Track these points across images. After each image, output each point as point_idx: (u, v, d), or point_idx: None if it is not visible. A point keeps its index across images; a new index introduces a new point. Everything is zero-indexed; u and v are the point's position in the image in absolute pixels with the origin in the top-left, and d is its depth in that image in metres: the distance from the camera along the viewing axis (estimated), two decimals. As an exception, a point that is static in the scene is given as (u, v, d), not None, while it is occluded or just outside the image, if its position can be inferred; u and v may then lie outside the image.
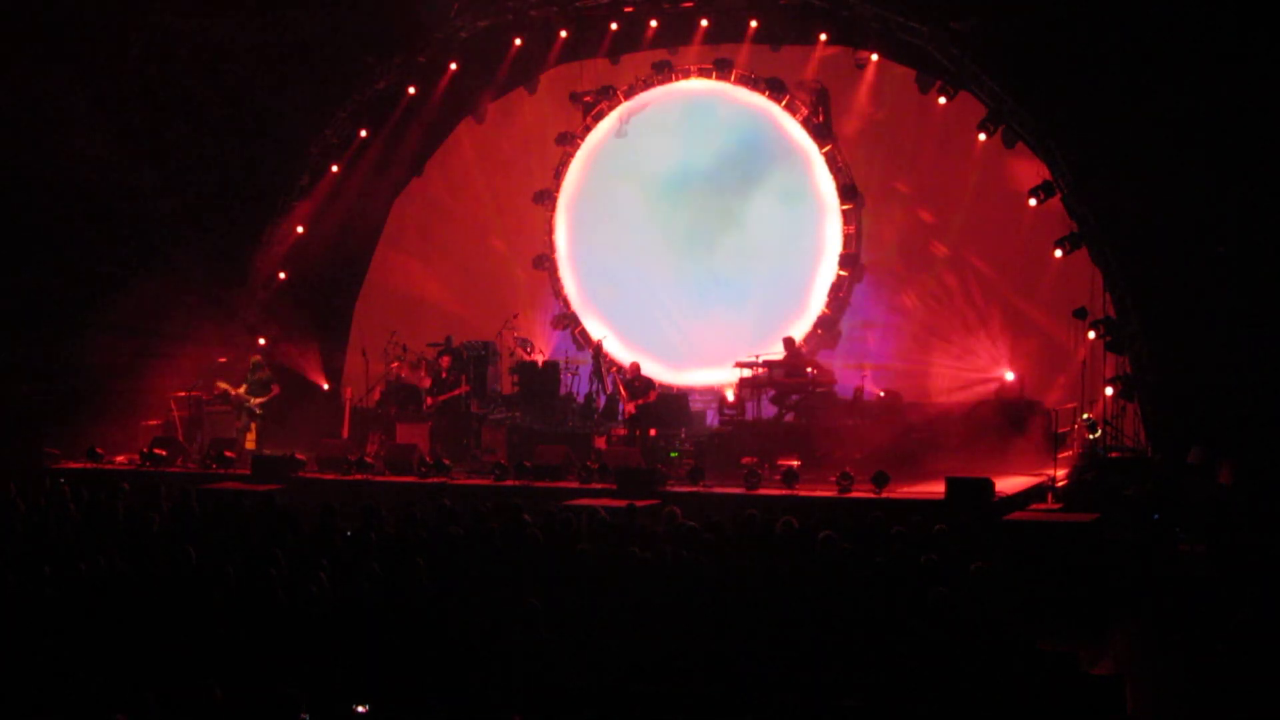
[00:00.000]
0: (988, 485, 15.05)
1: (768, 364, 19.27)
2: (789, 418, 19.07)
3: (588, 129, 21.80)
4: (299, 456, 18.44)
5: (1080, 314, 17.68)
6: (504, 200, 22.66)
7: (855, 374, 19.57)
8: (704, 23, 20.40)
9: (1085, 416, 17.50)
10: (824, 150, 20.29)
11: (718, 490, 16.29)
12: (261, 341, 21.25)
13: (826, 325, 20.33)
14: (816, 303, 20.52)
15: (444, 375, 19.71)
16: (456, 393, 19.63)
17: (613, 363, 20.89)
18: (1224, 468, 15.42)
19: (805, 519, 12.82)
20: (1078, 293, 17.94)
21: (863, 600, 10.18)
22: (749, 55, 20.64)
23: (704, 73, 20.98)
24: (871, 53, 19.41)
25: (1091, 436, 17.26)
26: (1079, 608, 11.97)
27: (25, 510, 14.04)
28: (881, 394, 19.13)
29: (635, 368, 19.26)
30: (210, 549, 11.67)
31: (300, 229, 21.83)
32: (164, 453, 18.95)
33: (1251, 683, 9.43)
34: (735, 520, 12.77)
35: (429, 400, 19.69)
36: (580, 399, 20.45)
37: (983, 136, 18.52)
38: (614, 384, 19.80)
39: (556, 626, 9.37)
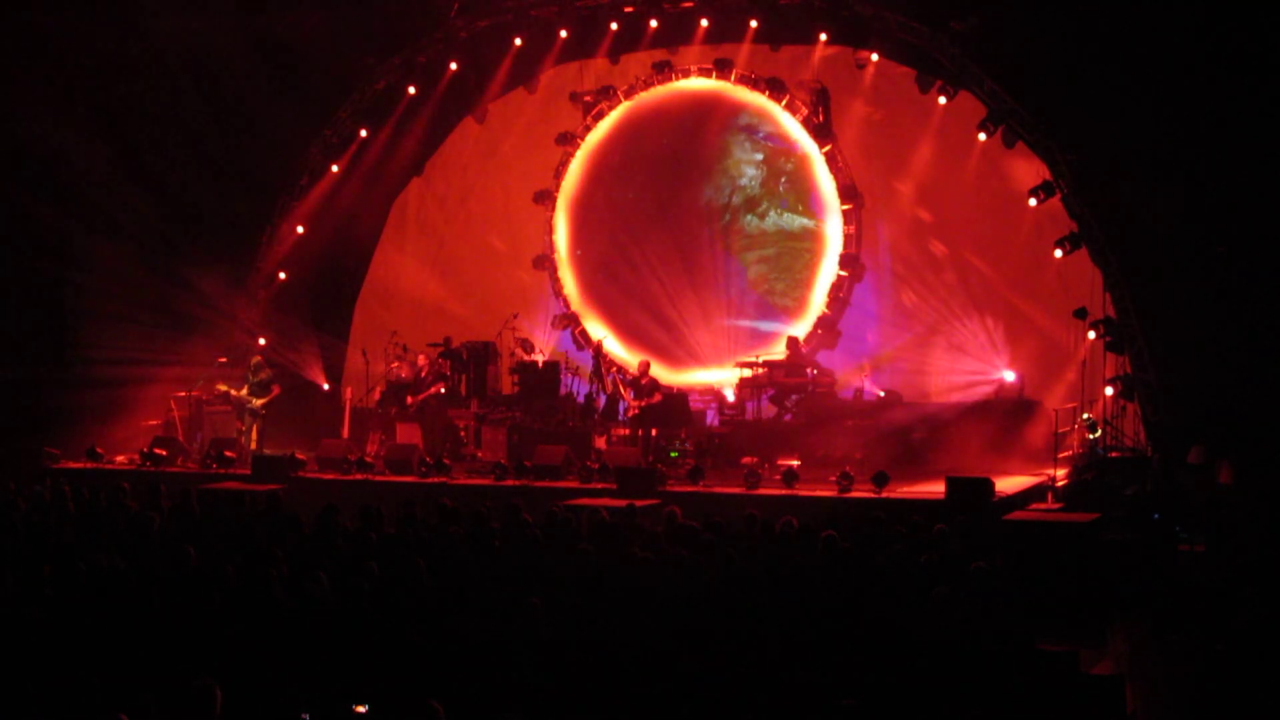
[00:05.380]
0: (988, 485, 15.06)
1: (768, 364, 19.30)
2: (789, 418, 19.09)
3: (588, 129, 21.81)
4: (299, 456, 18.46)
5: (1080, 314, 17.67)
6: (504, 200, 22.67)
7: (855, 374, 19.58)
8: (704, 23, 20.40)
9: (1085, 416, 17.50)
10: (824, 150, 20.28)
11: (718, 490, 16.30)
12: (262, 341, 21.25)
13: (826, 325, 20.32)
14: (816, 303, 20.52)
15: (423, 375, 19.73)
16: (430, 392, 19.61)
17: (613, 363, 20.90)
18: (1224, 468, 15.43)
19: (805, 519, 12.83)
20: (1078, 293, 17.94)
21: (863, 600, 10.18)
22: (749, 55, 20.63)
23: (704, 73, 20.98)
24: (871, 53, 19.40)
25: (1091, 436, 17.26)
26: (1079, 608, 11.96)
27: (25, 510, 14.04)
28: (881, 394, 19.15)
29: (645, 366, 19.09)
30: (210, 549, 11.66)
31: (300, 229, 21.84)
32: (164, 453, 18.96)
33: (1251, 683, 9.43)
34: (735, 520, 12.78)
35: (409, 399, 19.69)
36: (580, 399, 20.45)
37: (983, 136, 18.51)
38: (614, 384, 19.79)
39: (557, 626, 9.37)
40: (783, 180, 20.87)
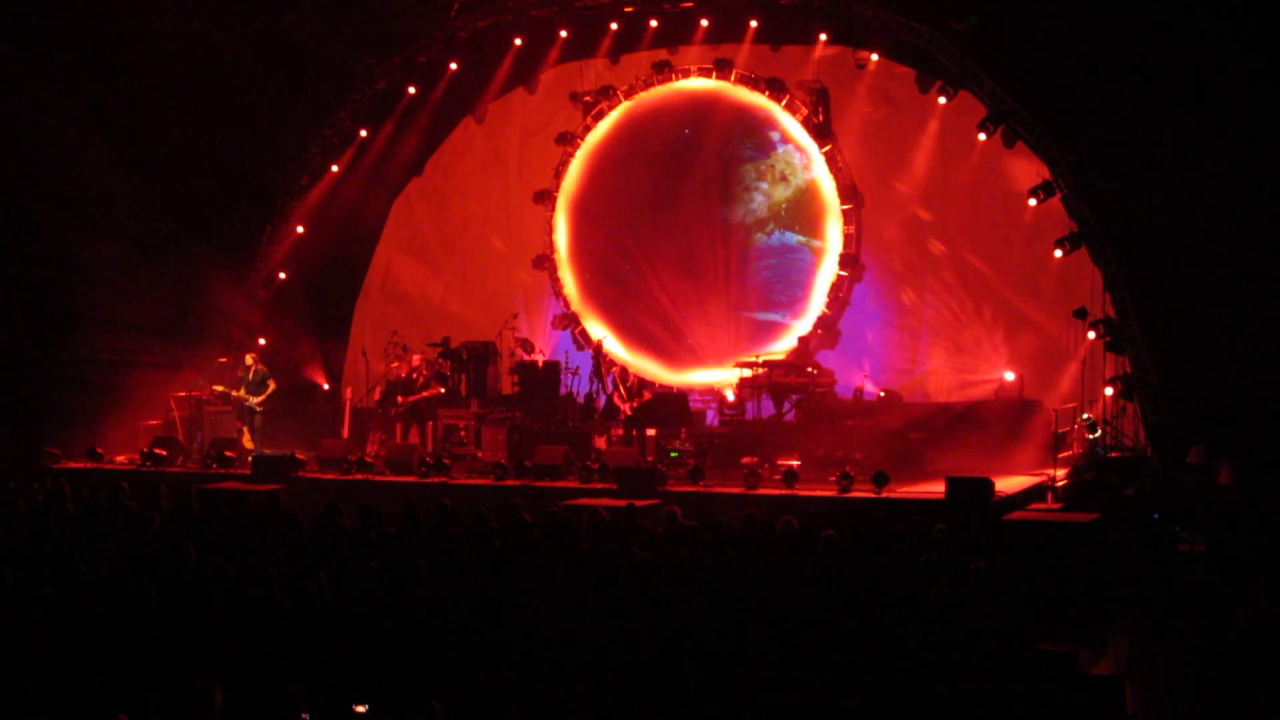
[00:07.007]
0: (988, 485, 15.05)
1: (768, 364, 19.31)
2: (789, 418, 19.09)
3: (588, 129, 21.81)
4: (299, 456, 18.46)
5: (1080, 314, 17.68)
6: (504, 200, 22.68)
7: (855, 374, 19.58)
8: (704, 23, 20.40)
9: (1085, 416, 17.50)
10: (824, 150, 20.28)
11: (718, 490, 16.29)
12: (262, 341, 21.27)
13: (826, 325, 20.32)
14: (816, 303, 20.52)
15: (414, 376, 19.71)
16: (424, 394, 19.59)
17: (613, 362, 20.91)
18: (1224, 468, 15.42)
19: (805, 519, 12.82)
20: (1078, 293, 17.95)
21: (863, 600, 10.18)
22: (749, 55, 20.63)
23: (704, 73, 20.98)
24: (871, 53, 19.40)
25: (1091, 436, 17.25)
26: (1079, 608, 11.96)
27: (25, 510, 14.04)
28: (881, 394, 19.14)
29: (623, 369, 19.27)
30: (210, 549, 11.67)
31: (300, 229, 21.86)
32: (164, 453, 18.96)
33: (1251, 683, 9.42)
34: (735, 520, 12.78)
35: (400, 398, 19.67)
36: (580, 399, 20.46)
37: (983, 136, 18.51)
38: (614, 383, 19.79)
39: (557, 626, 9.37)
40: (784, 206, 20.87)
